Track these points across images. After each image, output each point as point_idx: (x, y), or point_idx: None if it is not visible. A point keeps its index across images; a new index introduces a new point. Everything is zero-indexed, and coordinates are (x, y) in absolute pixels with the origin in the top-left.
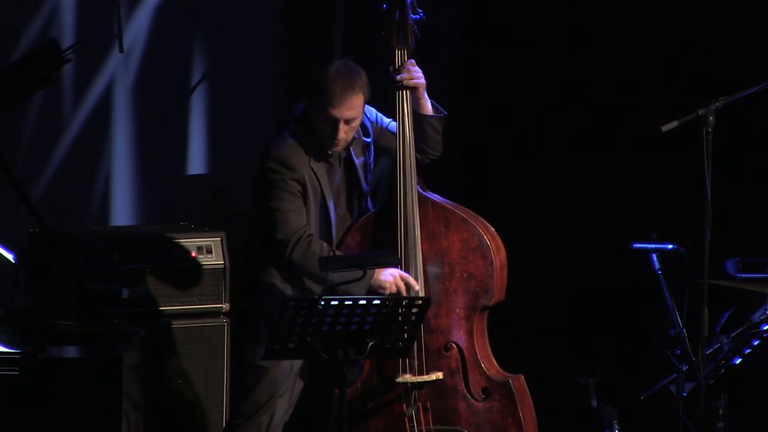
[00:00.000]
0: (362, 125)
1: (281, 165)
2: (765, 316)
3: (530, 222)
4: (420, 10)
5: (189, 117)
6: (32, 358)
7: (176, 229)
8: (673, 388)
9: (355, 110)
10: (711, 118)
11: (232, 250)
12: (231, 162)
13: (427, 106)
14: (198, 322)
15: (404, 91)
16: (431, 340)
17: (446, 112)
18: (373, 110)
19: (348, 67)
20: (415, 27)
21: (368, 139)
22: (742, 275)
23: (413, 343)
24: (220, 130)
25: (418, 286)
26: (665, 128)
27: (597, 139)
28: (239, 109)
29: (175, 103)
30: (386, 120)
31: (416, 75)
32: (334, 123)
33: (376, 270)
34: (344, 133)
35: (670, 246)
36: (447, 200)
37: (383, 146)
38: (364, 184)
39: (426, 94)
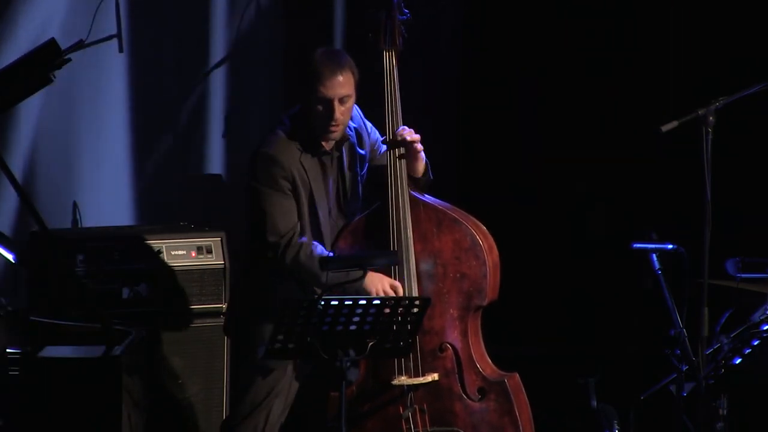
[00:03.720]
0: (359, 136)
1: (270, 163)
2: (765, 316)
3: (531, 222)
4: (407, 11)
5: (189, 117)
6: (32, 358)
7: (176, 229)
8: (673, 388)
9: (346, 88)
10: (711, 118)
11: (232, 250)
12: (231, 162)
13: (421, 166)
14: (198, 322)
15: (394, 95)
16: (426, 342)
17: (433, 177)
18: (374, 129)
19: (332, 49)
20: (403, 27)
21: (363, 151)
22: (742, 275)
23: (414, 343)
24: (220, 130)
25: (401, 292)
26: (665, 128)
27: (597, 139)
28: (239, 108)
29: (174, 104)
30: (380, 139)
31: (417, 136)
32: (328, 104)
33: (369, 274)
34: (340, 114)
35: (670, 246)
36: (439, 201)
37: (373, 166)
38: (351, 193)
39: (423, 155)
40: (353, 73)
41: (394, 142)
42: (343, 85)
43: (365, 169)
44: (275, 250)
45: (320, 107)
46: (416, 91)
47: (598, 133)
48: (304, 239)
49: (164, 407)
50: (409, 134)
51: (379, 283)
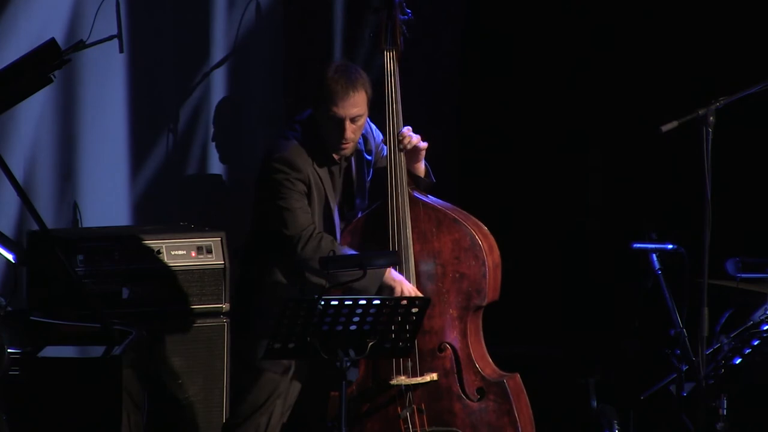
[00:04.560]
0: (366, 141)
1: (286, 165)
2: (765, 316)
3: (531, 222)
4: (408, 11)
5: (189, 117)
6: (32, 358)
7: (176, 229)
8: (673, 388)
9: (359, 107)
10: (711, 118)
11: (232, 250)
12: (231, 162)
13: (421, 168)
14: (198, 322)
15: (394, 95)
16: (425, 342)
17: (435, 180)
18: (378, 131)
19: (347, 65)
20: (404, 27)
21: (370, 157)
22: (742, 275)
23: (414, 343)
24: (220, 129)
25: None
26: (665, 128)
27: (597, 139)
28: (239, 108)
29: (174, 104)
30: (385, 146)
31: (420, 141)
32: (340, 122)
33: (387, 271)
34: (351, 133)
35: (670, 246)
36: (440, 201)
37: (377, 168)
38: (358, 199)
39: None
40: (366, 91)
41: (395, 143)
42: (355, 104)
43: (371, 175)
44: (296, 244)
45: (331, 125)
46: (417, 91)
47: (598, 133)
48: (322, 231)
49: (164, 407)
50: (409, 139)
51: (400, 285)
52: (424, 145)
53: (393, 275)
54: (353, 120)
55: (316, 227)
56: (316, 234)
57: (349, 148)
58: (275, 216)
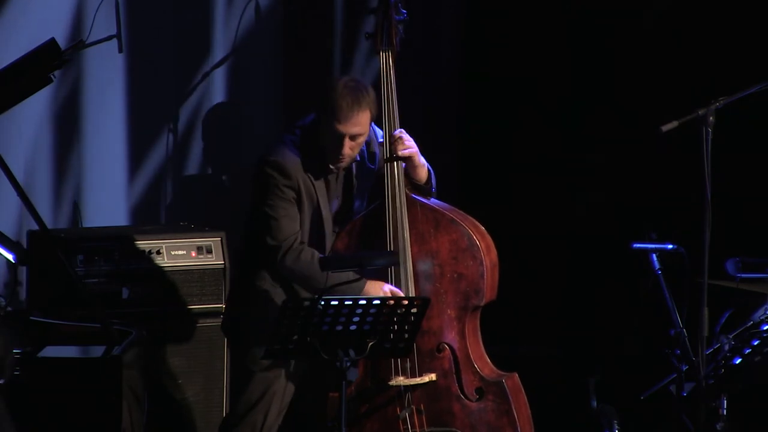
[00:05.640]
0: (370, 152)
1: (277, 171)
2: (765, 315)
3: (531, 222)
4: (404, 11)
5: (189, 117)
6: (32, 358)
7: (176, 229)
8: (673, 388)
9: (361, 127)
10: (711, 118)
11: (232, 250)
12: (231, 162)
13: (421, 174)
14: (198, 322)
15: (391, 96)
16: (423, 342)
17: (435, 190)
18: (383, 136)
19: (356, 83)
20: (400, 28)
21: (373, 166)
22: (742, 275)
23: (413, 343)
24: (219, 129)
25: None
26: (665, 128)
27: (597, 139)
28: (239, 108)
29: (174, 103)
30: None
31: (408, 145)
32: (340, 138)
33: (368, 282)
34: (349, 149)
35: (670, 246)
36: (437, 201)
37: (381, 175)
38: (358, 202)
39: (422, 158)
40: (371, 111)
41: (391, 144)
42: (358, 124)
43: (372, 182)
44: (276, 254)
45: (331, 138)
46: (418, 91)
47: (598, 133)
48: (304, 242)
49: (164, 407)
50: (402, 144)
51: (387, 288)
52: (408, 152)
53: (381, 288)
54: (353, 137)
55: (298, 238)
56: (298, 245)
57: (344, 163)
58: (261, 222)
